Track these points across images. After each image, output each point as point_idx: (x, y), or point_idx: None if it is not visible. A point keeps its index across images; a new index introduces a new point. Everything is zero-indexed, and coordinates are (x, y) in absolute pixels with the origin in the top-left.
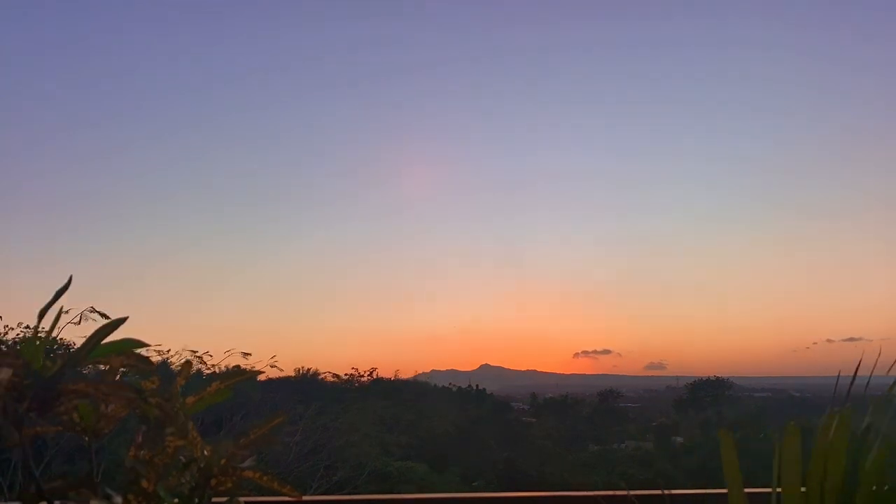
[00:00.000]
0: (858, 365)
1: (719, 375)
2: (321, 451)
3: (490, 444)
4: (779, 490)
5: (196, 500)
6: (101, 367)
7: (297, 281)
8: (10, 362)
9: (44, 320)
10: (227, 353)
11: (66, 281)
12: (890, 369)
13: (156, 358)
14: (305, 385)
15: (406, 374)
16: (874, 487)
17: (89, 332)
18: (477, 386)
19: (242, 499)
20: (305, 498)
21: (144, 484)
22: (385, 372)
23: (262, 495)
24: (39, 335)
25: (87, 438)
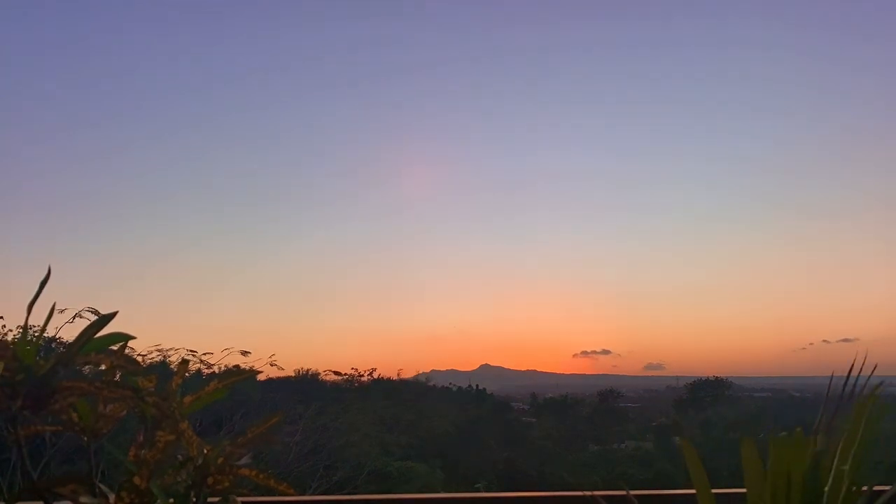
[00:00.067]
0: (851, 366)
1: (719, 375)
2: (321, 451)
3: (490, 444)
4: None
5: (193, 499)
6: (97, 366)
7: (297, 281)
8: (0, 354)
9: (40, 319)
10: (226, 352)
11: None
12: (873, 371)
13: (156, 357)
14: (305, 385)
15: (406, 374)
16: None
17: None
18: (477, 386)
19: (240, 498)
20: (305, 498)
21: (136, 480)
22: (385, 372)
23: (261, 495)
24: (31, 331)
25: (85, 438)
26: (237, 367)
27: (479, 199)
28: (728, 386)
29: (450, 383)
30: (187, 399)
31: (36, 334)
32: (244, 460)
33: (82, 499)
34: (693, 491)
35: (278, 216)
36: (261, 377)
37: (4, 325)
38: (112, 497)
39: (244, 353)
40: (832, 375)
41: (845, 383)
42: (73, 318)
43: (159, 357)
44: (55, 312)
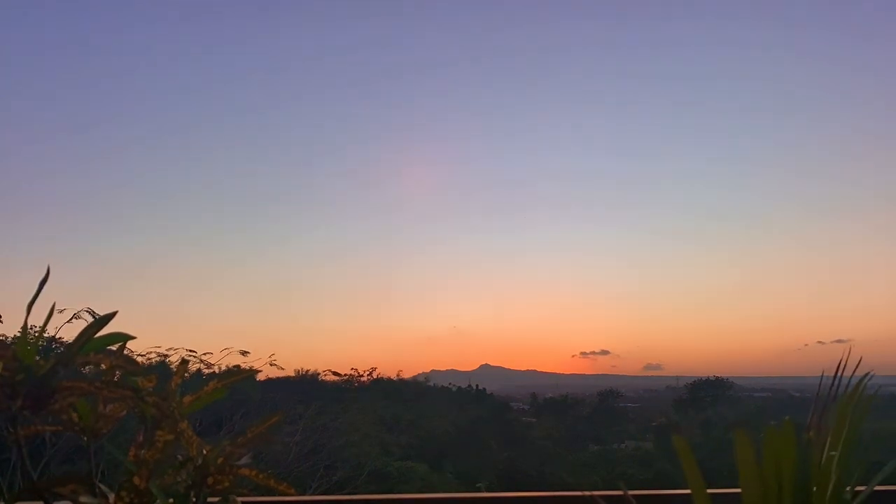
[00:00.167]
0: (845, 365)
1: (719, 375)
2: (321, 450)
3: (490, 444)
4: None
5: (192, 499)
6: (97, 366)
7: (297, 281)
8: (0, 354)
9: (40, 319)
10: (226, 352)
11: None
12: (855, 370)
13: (156, 358)
14: (305, 385)
15: (406, 374)
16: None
17: None
18: (477, 386)
19: (240, 498)
20: (305, 498)
21: (136, 480)
22: (385, 372)
23: (261, 495)
24: (31, 331)
25: (85, 438)
26: (237, 367)
27: (479, 199)
28: (728, 386)
29: (450, 383)
30: (187, 399)
31: (36, 334)
32: (244, 460)
33: (82, 499)
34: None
35: (278, 216)
36: (261, 377)
37: (2, 322)
38: (112, 497)
39: (244, 353)
40: (822, 375)
41: (833, 382)
42: (72, 318)
43: (159, 357)
44: (55, 312)
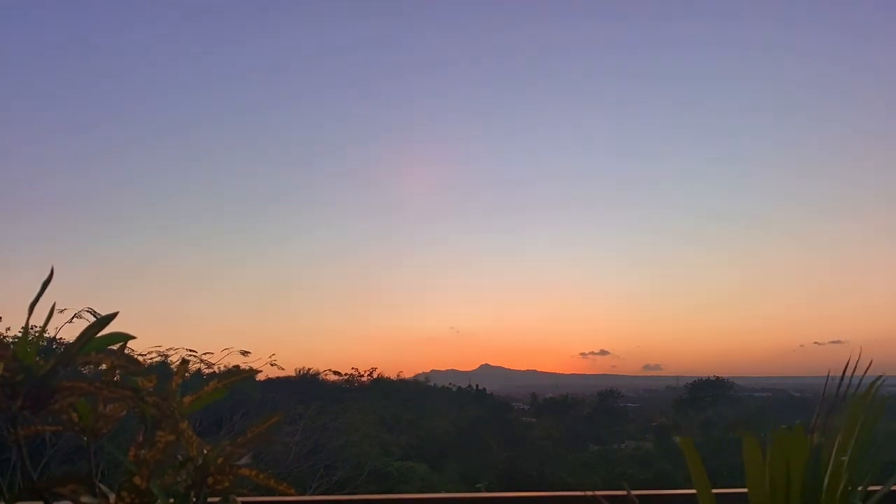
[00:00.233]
0: (855, 366)
1: (719, 375)
2: (321, 450)
3: (490, 444)
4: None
5: (193, 499)
6: (97, 366)
7: (298, 280)
8: (0, 354)
9: (40, 320)
10: (226, 352)
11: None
12: (856, 369)
13: (156, 358)
14: (305, 385)
15: (406, 375)
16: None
17: None
18: (477, 386)
19: (240, 498)
20: (305, 498)
21: (136, 480)
22: (385, 372)
23: (261, 495)
24: (31, 332)
25: (85, 438)
26: (237, 367)
27: (478, 199)
28: (728, 386)
29: (450, 383)
30: (187, 399)
31: (36, 334)
32: (244, 460)
33: (82, 499)
34: (693, 491)
35: (278, 216)
36: (261, 377)
37: (7, 328)
38: (112, 497)
39: (244, 353)
40: (828, 375)
41: (840, 383)
42: (73, 318)
43: (159, 357)
44: (55, 312)
